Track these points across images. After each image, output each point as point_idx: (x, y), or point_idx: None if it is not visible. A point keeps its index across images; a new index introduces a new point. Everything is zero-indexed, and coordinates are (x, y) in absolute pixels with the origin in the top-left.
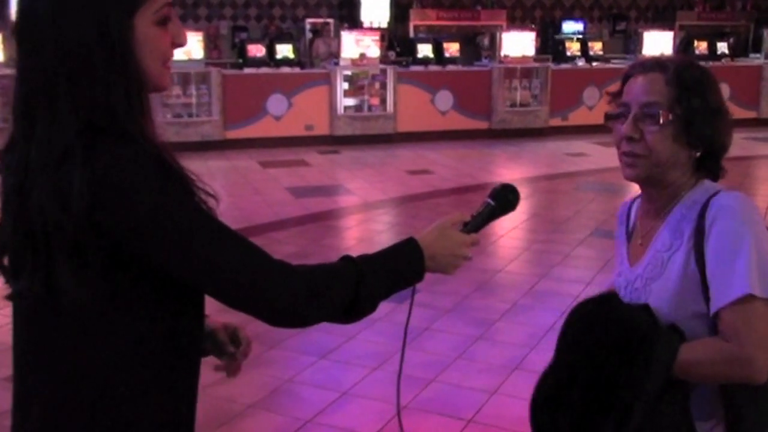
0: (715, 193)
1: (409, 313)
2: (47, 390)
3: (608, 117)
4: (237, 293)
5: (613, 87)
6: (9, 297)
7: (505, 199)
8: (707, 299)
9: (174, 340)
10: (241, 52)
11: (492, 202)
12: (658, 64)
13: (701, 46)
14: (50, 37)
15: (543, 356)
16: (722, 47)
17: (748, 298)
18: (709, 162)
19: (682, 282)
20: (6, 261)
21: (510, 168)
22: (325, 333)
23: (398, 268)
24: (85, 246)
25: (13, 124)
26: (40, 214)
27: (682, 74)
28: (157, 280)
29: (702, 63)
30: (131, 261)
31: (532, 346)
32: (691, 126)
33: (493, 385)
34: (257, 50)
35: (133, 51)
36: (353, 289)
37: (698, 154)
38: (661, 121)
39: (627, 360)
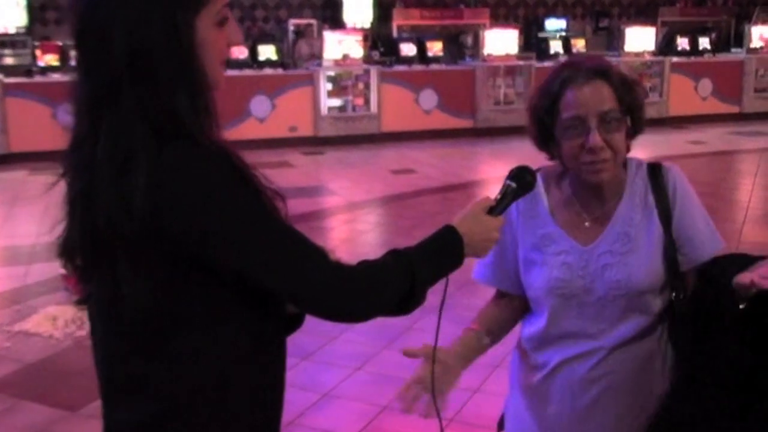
0: (654, 166)
1: (443, 301)
2: (128, 399)
3: (560, 132)
4: (301, 293)
5: (537, 104)
6: (80, 301)
7: (524, 180)
8: (666, 257)
9: (252, 339)
10: None
11: (513, 184)
12: (594, 71)
13: (683, 42)
14: (116, 38)
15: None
16: (704, 43)
17: (720, 251)
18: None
19: (657, 246)
20: (80, 263)
21: (495, 166)
22: (307, 334)
23: (443, 257)
24: (150, 252)
25: (76, 125)
26: (105, 219)
27: (619, 75)
28: (226, 283)
29: (684, 59)
30: (198, 265)
31: (515, 345)
32: (635, 119)
33: (476, 384)
34: (239, 52)
35: (196, 52)
36: (408, 282)
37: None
38: (622, 124)
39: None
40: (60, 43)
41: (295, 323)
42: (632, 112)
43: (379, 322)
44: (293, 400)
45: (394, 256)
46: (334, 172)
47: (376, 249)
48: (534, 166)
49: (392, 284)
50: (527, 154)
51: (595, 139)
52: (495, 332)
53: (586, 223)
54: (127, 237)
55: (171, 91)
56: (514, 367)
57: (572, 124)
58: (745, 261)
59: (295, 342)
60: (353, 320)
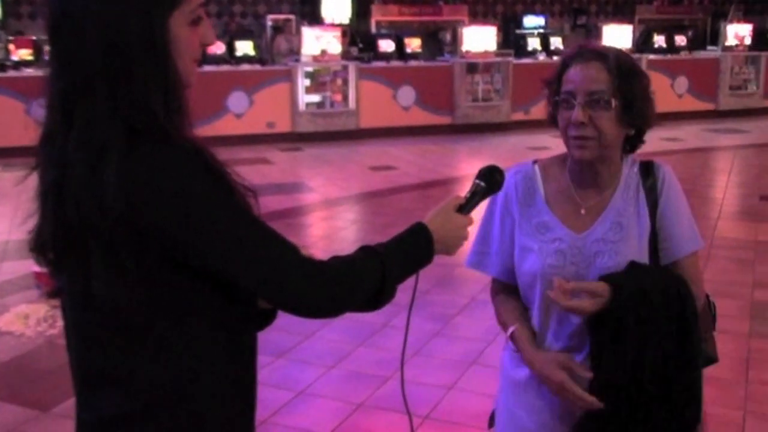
0: (647, 163)
1: (413, 297)
2: (101, 393)
3: (555, 103)
4: (272, 288)
5: (551, 75)
6: (52, 294)
7: (492, 179)
8: (650, 250)
9: (225, 334)
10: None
11: (482, 184)
12: (597, 53)
13: (660, 40)
14: (91, 33)
15: (500, 351)
16: (680, 40)
17: (698, 251)
18: (637, 139)
19: (645, 238)
20: (52, 257)
21: (472, 162)
22: (282, 332)
23: (414, 254)
24: (123, 247)
25: (48, 119)
26: (76, 212)
27: (620, 62)
28: (199, 278)
29: (661, 56)
30: (170, 260)
31: (490, 341)
32: (631, 108)
33: (450, 381)
34: (217, 47)
35: (170, 49)
36: (379, 278)
37: (632, 132)
38: (608, 105)
39: (685, 330)
40: (34, 38)
41: (267, 319)
42: (629, 100)
43: (354, 319)
44: (267, 398)
45: (365, 251)
46: (312, 169)
47: (354, 246)
48: (512, 163)
49: (363, 279)
50: (505, 150)
51: (577, 114)
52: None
53: (582, 211)
54: (100, 232)
55: (145, 87)
56: (505, 363)
57: (565, 98)
58: (655, 273)
59: (269, 340)
60: (324, 315)
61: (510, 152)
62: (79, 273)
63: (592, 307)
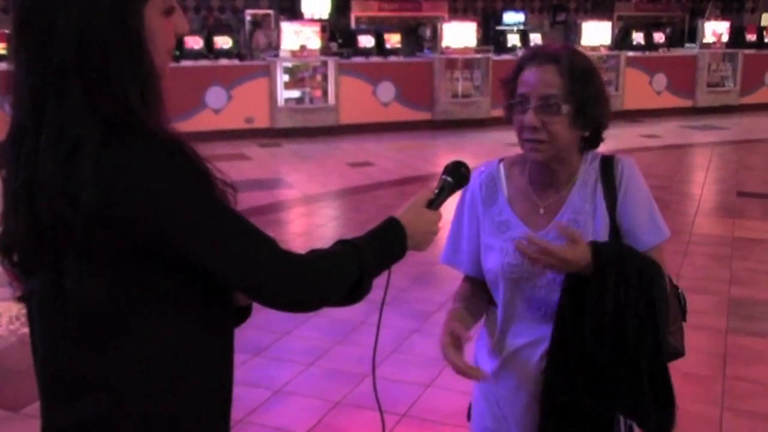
0: (607, 158)
1: (385, 293)
2: (73, 396)
3: (509, 106)
4: (251, 281)
5: (507, 76)
6: (21, 298)
7: (459, 174)
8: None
9: (202, 331)
10: (178, 43)
11: (449, 179)
12: (550, 56)
13: (638, 37)
14: (64, 27)
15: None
16: (659, 37)
17: (663, 242)
18: (594, 138)
19: (603, 235)
20: (17, 258)
21: (452, 159)
22: (259, 330)
23: (388, 248)
24: (97, 245)
25: (16, 117)
26: (49, 210)
27: (574, 65)
28: (175, 274)
29: (639, 53)
30: (147, 257)
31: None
32: (584, 111)
33: (428, 378)
34: (194, 42)
35: (145, 40)
36: (357, 272)
37: (587, 133)
38: (561, 111)
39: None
40: (8, 32)
41: (243, 315)
42: (581, 104)
43: (332, 317)
44: (244, 397)
45: (343, 245)
46: (291, 165)
47: (332, 242)
48: (491, 158)
49: (342, 273)
50: (485, 146)
51: (530, 118)
52: (474, 310)
53: (541, 210)
54: (73, 231)
55: (120, 79)
56: (477, 356)
57: (519, 101)
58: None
59: (246, 338)
60: (303, 309)
61: (489, 148)
62: (51, 274)
63: (573, 256)
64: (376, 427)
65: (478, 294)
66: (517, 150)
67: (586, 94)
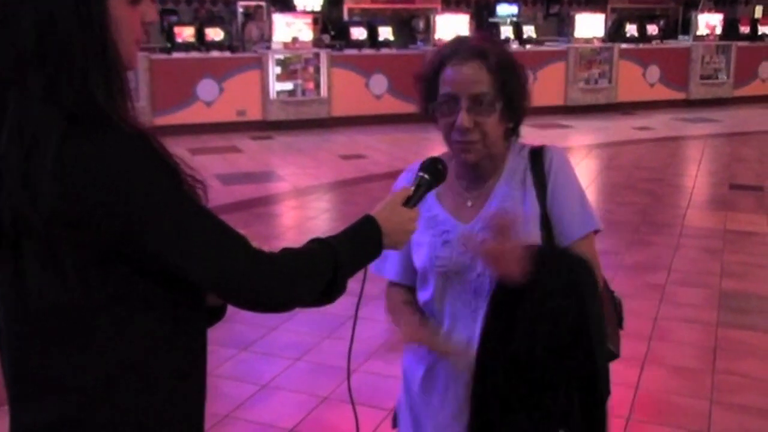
0: (536, 148)
1: (361, 291)
2: (38, 397)
3: (435, 107)
4: (221, 280)
5: (422, 71)
6: None
7: (436, 170)
8: (543, 234)
9: (172, 332)
10: (169, 35)
11: (426, 176)
12: (475, 51)
13: (632, 29)
14: (24, 16)
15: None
16: (652, 29)
17: (593, 233)
18: (515, 128)
19: (531, 224)
20: None
21: (443, 151)
22: (246, 325)
23: (363, 247)
24: (60, 243)
25: None
26: (10, 209)
27: (500, 59)
28: (143, 272)
29: (633, 45)
30: (113, 254)
31: None
32: (511, 104)
33: None
34: (186, 34)
35: (109, 30)
36: (331, 271)
37: (512, 124)
38: (495, 109)
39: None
40: None
41: (217, 314)
42: (509, 97)
43: (320, 312)
44: (230, 392)
45: (317, 244)
46: (283, 158)
47: (324, 235)
48: None
49: (314, 273)
50: None
51: (463, 119)
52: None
53: (468, 203)
54: (34, 228)
55: (84, 71)
56: (405, 363)
57: (446, 101)
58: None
59: (233, 332)
60: (275, 310)
61: None
62: (12, 273)
63: (503, 250)
64: (363, 422)
65: (408, 296)
66: None
67: (513, 87)
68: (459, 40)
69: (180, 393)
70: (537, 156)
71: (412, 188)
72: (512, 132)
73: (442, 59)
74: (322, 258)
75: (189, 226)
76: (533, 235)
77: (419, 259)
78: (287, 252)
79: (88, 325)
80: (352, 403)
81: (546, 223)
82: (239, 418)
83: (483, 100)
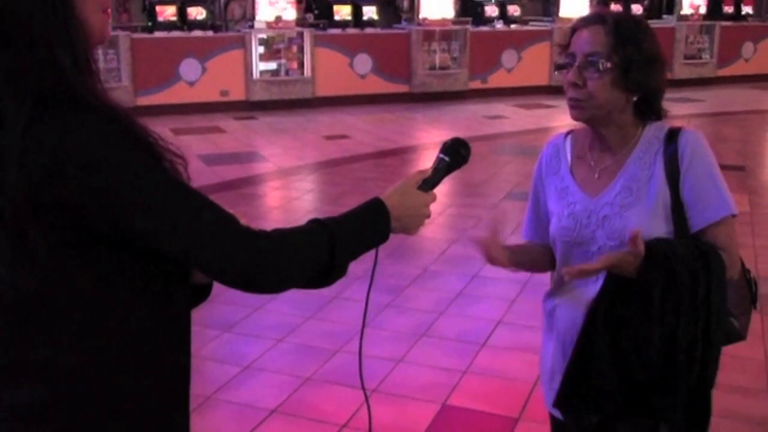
0: (674, 130)
1: (372, 277)
2: (7, 381)
3: (558, 66)
4: (209, 258)
5: (563, 40)
6: None
7: (457, 153)
8: (675, 219)
9: (150, 318)
10: (151, 14)
11: (446, 158)
12: (599, 17)
13: (616, 8)
14: None
15: (450, 322)
16: (637, 9)
17: (730, 217)
18: (647, 105)
19: (658, 206)
20: None
21: (429, 131)
22: (229, 305)
23: (367, 231)
24: (30, 229)
25: None
26: None
27: (620, 26)
28: (121, 255)
29: None
30: (90, 236)
31: (440, 312)
32: (628, 73)
33: (399, 353)
34: (168, 13)
35: (73, 2)
36: (326, 254)
37: (635, 98)
38: (601, 68)
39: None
40: None
41: (202, 294)
42: (626, 64)
43: (304, 292)
44: (212, 373)
45: (313, 225)
46: (266, 138)
47: (308, 216)
48: (469, 132)
49: (307, 255)
50: (462, 119)
51: (572, 75)
52: (520, 258)
53: (596, 176)
54: (2, 214)
55: (49, 48)
56: (543, 313)
57: (567, 61)
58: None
59: (216, 313)
60: (264, 291)
61: (467, 121)
62: None
63: (620, 262)
64: (345, 403)
65: (537, 248)
66: (495, 123)
67: (632, 54)
68: (593, 12)
69: (165, 375)
70: (673, 137)
71: (431, 171)
72: (647, 108)
73: (574, 27)
74: (315, 239)
75: (171, 203)
76: (656, 219)
77: (551, 229)
78: (278, 232)
79: (59, 312)
80: (365, 394)
81: (677, 207)
82: (221, 399)
83: (592, 60)
